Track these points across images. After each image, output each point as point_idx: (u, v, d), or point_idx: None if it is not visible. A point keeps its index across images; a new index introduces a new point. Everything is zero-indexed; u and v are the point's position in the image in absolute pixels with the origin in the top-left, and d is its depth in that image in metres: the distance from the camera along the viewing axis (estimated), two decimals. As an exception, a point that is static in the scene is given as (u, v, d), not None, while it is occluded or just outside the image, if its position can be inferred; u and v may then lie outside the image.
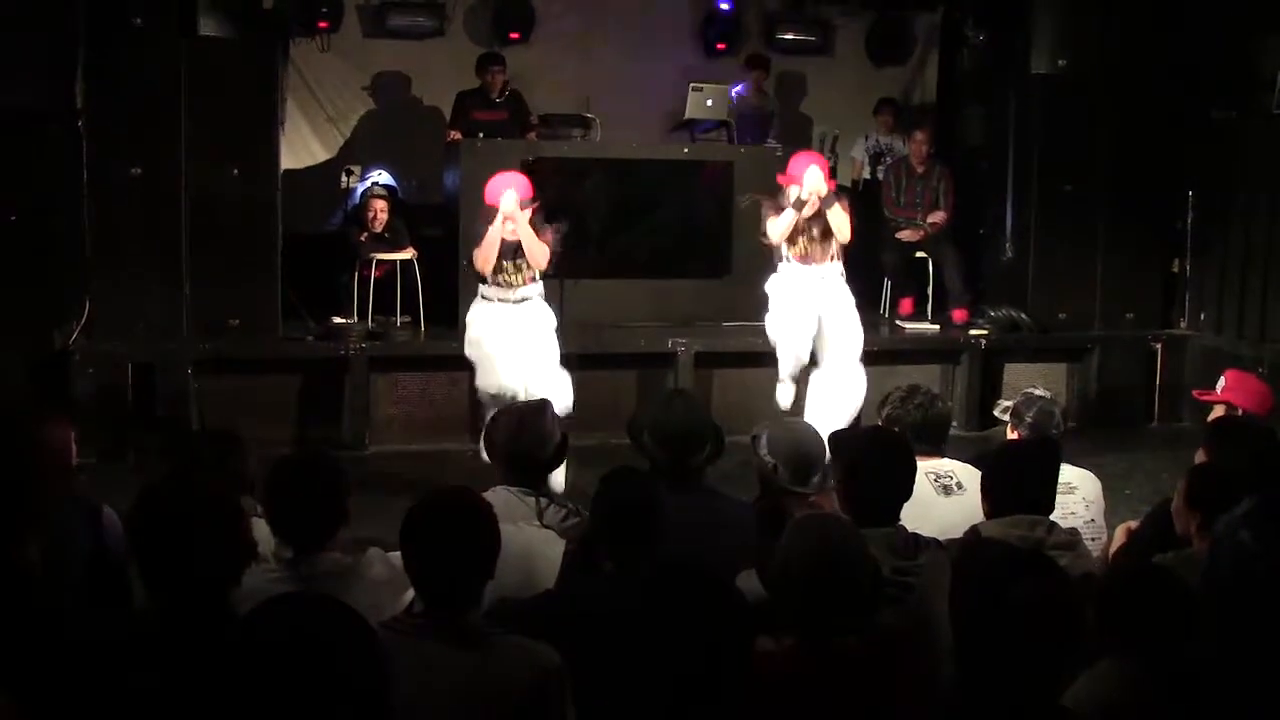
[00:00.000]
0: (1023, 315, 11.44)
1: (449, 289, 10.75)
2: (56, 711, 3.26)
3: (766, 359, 10.74)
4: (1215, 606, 3.63)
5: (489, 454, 5.48)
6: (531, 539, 4.58)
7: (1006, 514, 4.59)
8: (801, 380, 9.19)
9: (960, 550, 4.45)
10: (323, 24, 12.49)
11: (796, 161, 9.02)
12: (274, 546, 4.06)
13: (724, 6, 13.52)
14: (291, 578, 3.98)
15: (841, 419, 8.72)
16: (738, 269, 11.24)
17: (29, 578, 3.79)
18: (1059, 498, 5.19)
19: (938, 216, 11.91)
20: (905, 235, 11.95)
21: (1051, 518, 4.69)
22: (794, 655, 3.58)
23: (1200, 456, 5.41)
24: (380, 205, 11.23)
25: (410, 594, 3.63)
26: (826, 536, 3.67)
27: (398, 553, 3.69)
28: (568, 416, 7.58)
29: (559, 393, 7.91)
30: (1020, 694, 3.02)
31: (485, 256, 8.18)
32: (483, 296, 8.36)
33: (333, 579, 3.98)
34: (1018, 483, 4.67)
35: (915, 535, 4.42)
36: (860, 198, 13.08)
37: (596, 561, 4.16)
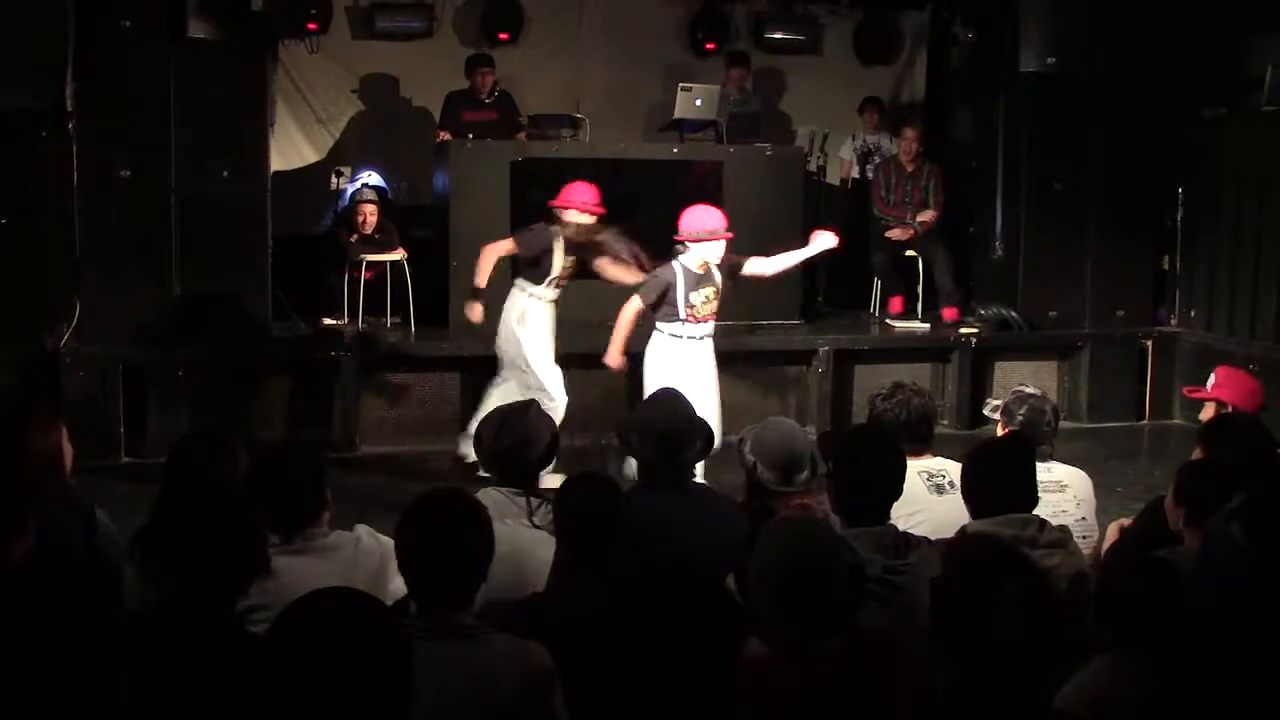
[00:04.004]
0: (1013, 313, 11.46)
1: (439, 290, 10.75)
2: (51, 712, 3.26)
3: (757, 357, 10.80)
4: (1207, 601, 3.64)
5: (478, 455, 5.48)
6: (522, 540, 4.58)
7: (990, 513, 4.59)
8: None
9: (948, 550, 4.45)
10: (311, 25, 12.48)
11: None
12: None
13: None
14: (285, 550, 4.12)
15: None
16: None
17: (15, 577, 3.79)
18: (1051, 496, 5.20)
19: (927, 215, 11.92)
20: (895, 234, 11.96)
21: (1043, 516, 4.69)
22: (777, 659, 3.57)
23: (1196, 454, 5.43)
24: (369, 208, 11.21)
25: (400, 580, 3.66)
26: (796, 540, 3.62)
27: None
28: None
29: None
30: (1006, 694, 3.02)
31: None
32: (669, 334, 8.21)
33: (323, 550, 4.21)
34: (995, 482, 4.67)
35: (905, 534, 4.42)
36: (849, 197, 13.14)
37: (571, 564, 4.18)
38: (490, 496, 4.77)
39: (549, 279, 8.77)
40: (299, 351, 10.30)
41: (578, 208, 8.72)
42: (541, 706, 3.43)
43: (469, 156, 11.03)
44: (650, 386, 7.85)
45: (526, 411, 5.19)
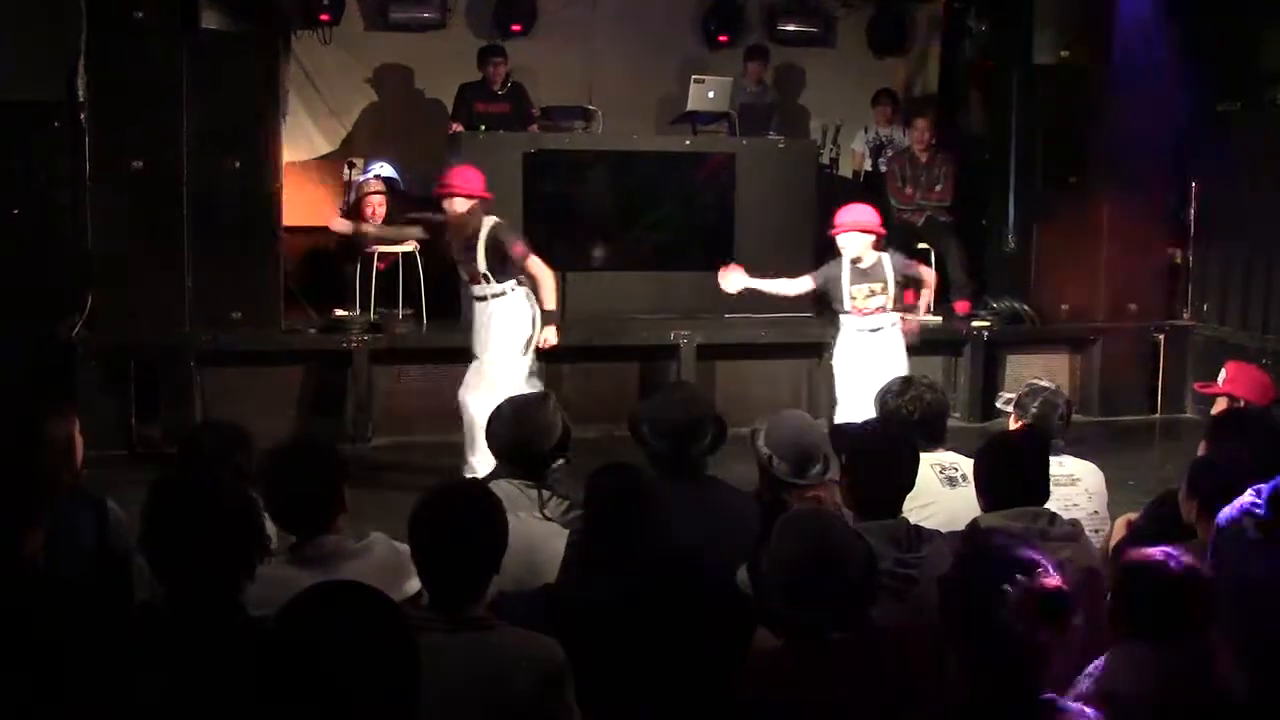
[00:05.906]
0: (1025, 306, 11.44)
1: (451, 281, 10.74)
2: (62, 707, 3.27)
3: (768, 351, 10.81)
4: (1218, 594, 3.64)
5: (490, 446, 5.46)
6: (533, 531, 4.58)
7: (1003, 507, 4.58)
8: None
9: (961, 543, 4.44)
10: (324, 16, 12.48)
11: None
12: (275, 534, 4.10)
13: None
14: (296, 560, 4.05)
15: None
16: (740, 260, 11.24)
17: (31, 570, 3.79)
18: (1062, 490, 5.18)
19: (940, 192, 11.93)
20: (909, 218, 11.96)
21: (1054, 509, 4.68)
22: (788, 651, 3.57)
23: (1202, 449, 5.42)
24: (376, 199, 11.16)
25: (415, 581, 3.63)
26: (810, 533, 3.63)
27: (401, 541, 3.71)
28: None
29: None
30: (1014, 688, 3.01)
31: None
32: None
33: (336, 560, 4.06)
34: (1008, 475, 4.65)
35: (918, 527, 4.41)
36: (862, 189, 13.12)
37: (598, 555, 4.17)
38: (502, 488, 4.76)
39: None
40: (311, 342, 10.31)
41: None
42: (554, 700, 3.43)
43: (482, 148, 11.03)
44: (837, 380, 8.57)
45: (543, 404, 5.19)
